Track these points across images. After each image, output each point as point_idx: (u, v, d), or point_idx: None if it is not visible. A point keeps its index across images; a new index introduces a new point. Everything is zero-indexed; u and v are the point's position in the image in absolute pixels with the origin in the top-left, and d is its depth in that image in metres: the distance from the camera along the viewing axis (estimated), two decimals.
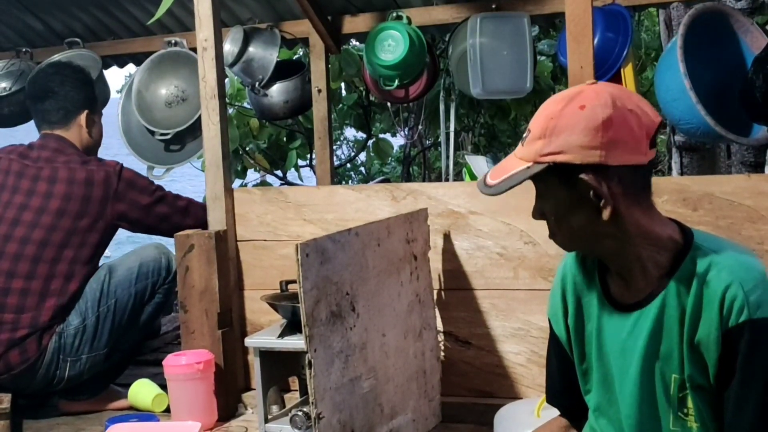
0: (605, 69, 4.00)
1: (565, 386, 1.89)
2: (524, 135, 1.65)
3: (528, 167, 1.60)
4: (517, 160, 1.63)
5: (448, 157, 4.58)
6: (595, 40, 3.98)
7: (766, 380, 1.57)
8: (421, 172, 8.22)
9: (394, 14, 4.09)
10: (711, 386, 1.62)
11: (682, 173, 4.66)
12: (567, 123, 1.58)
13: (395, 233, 2.76)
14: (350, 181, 11.17)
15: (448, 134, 4.58)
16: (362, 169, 10.32)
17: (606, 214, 1.60)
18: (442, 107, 4.54)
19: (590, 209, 1.61)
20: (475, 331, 3.06)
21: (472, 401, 3.02)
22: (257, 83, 4.24)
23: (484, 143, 7.73)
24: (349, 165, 9.99)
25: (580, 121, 1.58)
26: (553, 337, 1.89)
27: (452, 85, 4.63)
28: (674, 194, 2.79)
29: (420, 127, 6.98)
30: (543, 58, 5.99)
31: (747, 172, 4.49)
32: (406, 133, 7.30)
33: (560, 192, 1.62)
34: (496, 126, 7.24)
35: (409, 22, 4.08)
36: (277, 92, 4.37)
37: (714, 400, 1.63)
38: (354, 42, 4.92)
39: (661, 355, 1.66)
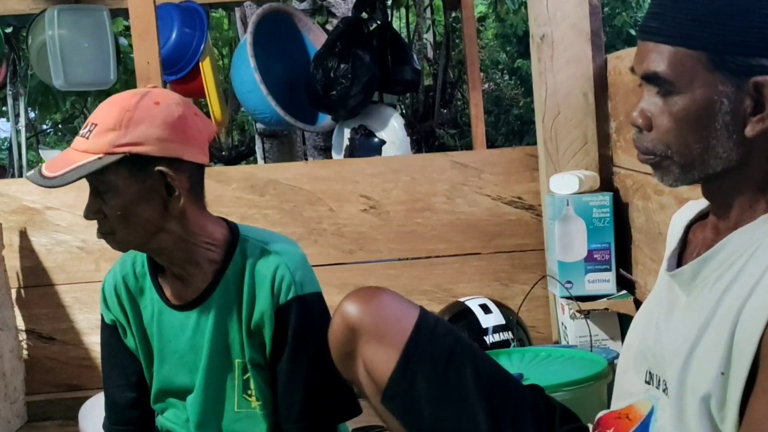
0: (185, 62, 3.94)
1: (132, 398, 1.72)
2: (85, 129, 1.50)
3: (100, 158, 1.46)
4: (81, 153, 1.48)
5: (21, 152, 4.21)
6: (173, 35, 3.91)
7: (314, 351, 1.60)
8: (36, 158, 7.60)
9: None
10: (268, 363, 1.63)
11: (265, 158, 4.74)
12: (144, 116, 1.49)
13: None
14: None
15: (19, 131, 4.22)
16: None
17: (175, 208, 1.53)
18: (10, 102, 4.16)
19: (158, 204, 1.52)
20: (60, 326, 2.85)
21: (59, 397, 2.81)
22: None
23: None
24: None
25: (158, 115, 1.50)
26: (115, 350, 1.72)
27: (22, 77, 4.27)
28: (242, 182, 2.80)
29: (35, 113, 6.43)
30: None
31: (319, 155, 4.70)
32: (13, 120, 6.68)
33: (130, 185, 1.49)
34: None
35: None
36: None
37: (271, 377, 1.64)
38: None
39: (227, 345, 1.63)
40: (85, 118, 6.38)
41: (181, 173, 1.53)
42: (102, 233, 1.55)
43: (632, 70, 1.17)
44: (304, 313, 1.59)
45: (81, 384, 2.85)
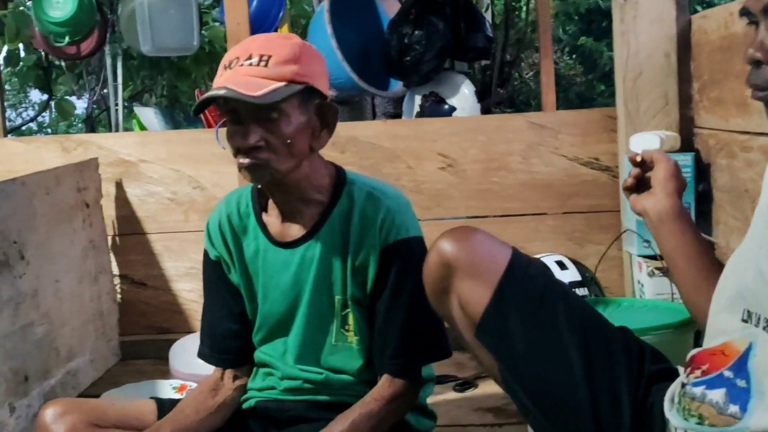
0: (264, 28, 3.96)
1: (234, 329, 1.74)
2: (253, 59, 1.51)
3: (286, 85, 1.50)
4: (265, 80, 1.50)
5: (117, 108, 4.30)
6: (254, 2, 3.93)
7: (413, 292, 1.60)
8: (107, 132, 7.75)
9: None
10: (367, 301, 1.65)
11: None
12: (312, 54, 1.55)
13: (65, 182, 2.53)
14: None
15: (116, 86, 4.30)
16: (49, 130, 9.52)
17: (320, 144, 1.57)
18: (108, 61, 4.25)
19: (309, 136, 1.56)
20: (151, 273, 2.92)
21: (151, 338, 2.89)
22: None
23: (166, 104, 7.45)
24: (34, 126, 9.16)
25: (318, 55, 1.57)
26: (218, 284, 1.75)
27: (119, 40, 4.35)
28: None
29: (105, 90, 6.55)
30: (217, 24, 5.86)
31: None
32: (90, 94, 6.83)
33: (299, 116, 1.53)
34: (178, 88, 6.99)
35: None
36: None
37: (370, 314, 1.65)
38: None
39: (330, 281, 1.65)
40: (153, 95, 6.48)
41: (332, 112, 1.58)
42: (255, 163, 1.52)
43: (742, 11, 1.13)
44: (408, 255, 1.61)
45: (170, 327, 2.91)
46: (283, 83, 1.50)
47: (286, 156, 1.54)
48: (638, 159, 1.50)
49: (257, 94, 1.48)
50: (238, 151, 1.54)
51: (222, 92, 1.48)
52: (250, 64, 1.52)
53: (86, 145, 2.89)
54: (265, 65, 1.51)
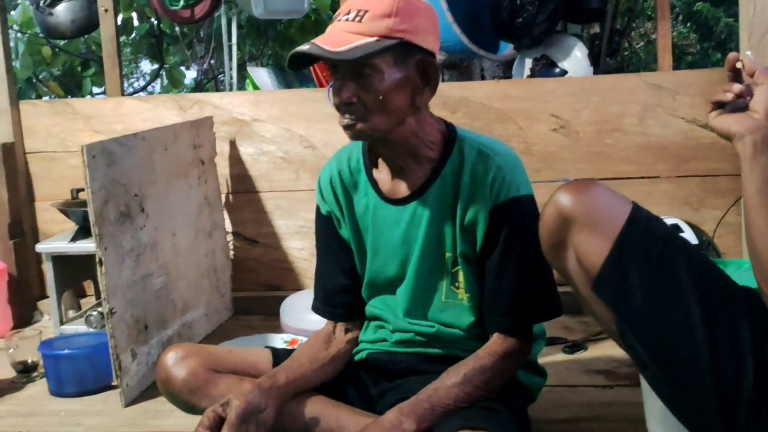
0: None
1: (345, 284, 1.77)
2: (351, 14, 1.53)
3: (377, 40, 1.50)
4: (355, 35, 1.51)
5: (231, 68, 4.40)
6: None
7: (525, 250, 1.60)
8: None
9: None
10: (477, 258, 1.64)
11: None
12: (413, 8, 1.54)
13: (182, 139, 2.61)
14: None
15: (230, 47, 4.40)
16: None
17: (422, 101, 1.57)
18: (224, 21, 4.34)
19: (409, 94, 1.55)
20: (262, 231, 2.98)
21: (261, 295, 2.96)
22: (42, 1, 3.88)
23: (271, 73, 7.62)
24: (144, 96, 9.52)
25: (423, 9, 1.56)
26: (329, 239, 1.77)
27: (232, 4, 4.44)
28: (435, 99, 2.72)
29: (213, 61, 6.72)
30: None
31: None
32: (199, 63, 7.03)
33: (394, 72, 1.52)
34: (284, 57, 7.10)
35: None
36: (63, 11, 4.02)
37: (480, 272, 1.65)
38: None
39: (440, 238, 1.65)
40: (260, 62, 6.57)
41: (433, 68, 1.57)
42: (352, 120, 1.55)
43: None
44: (519, 214, 1.60)
45: (280, 284, 2.98)
46: (373, 38, 1.50)
47: (381, 113, 1.53)
48: (738, 65, 1.36)
49: (337, 50, 1.48)
50: (338, 108, 1.56)
51: (306, 48, 1.51)
52: (347, 20, 1.53)
53: (201, 104, 2.97)
54: (360, 20, 1.51)
